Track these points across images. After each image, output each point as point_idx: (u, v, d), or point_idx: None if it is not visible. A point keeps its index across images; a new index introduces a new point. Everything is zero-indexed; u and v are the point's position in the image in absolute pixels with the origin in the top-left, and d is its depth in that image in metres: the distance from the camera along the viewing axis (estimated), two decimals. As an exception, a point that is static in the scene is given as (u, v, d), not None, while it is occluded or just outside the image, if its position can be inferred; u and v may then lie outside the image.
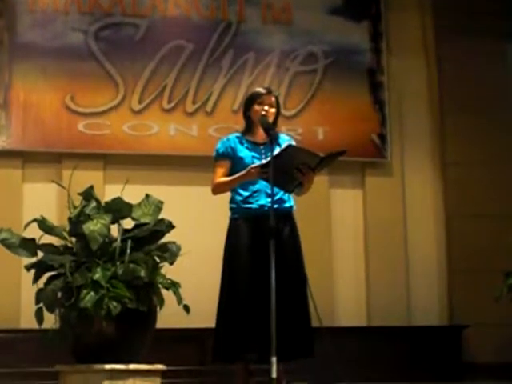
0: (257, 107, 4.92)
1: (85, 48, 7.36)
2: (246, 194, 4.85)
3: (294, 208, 4.94)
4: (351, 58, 7.77)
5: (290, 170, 4.65)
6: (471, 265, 7.59)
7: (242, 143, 4.95)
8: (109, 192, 6.89)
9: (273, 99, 4.96)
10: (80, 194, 4.50)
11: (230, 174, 4.85)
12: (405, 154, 7.86)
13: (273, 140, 4.65)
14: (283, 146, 4.60)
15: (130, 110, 7.37)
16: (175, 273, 4.56)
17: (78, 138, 7.25)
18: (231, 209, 4.93)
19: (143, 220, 4.39)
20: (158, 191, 6.97)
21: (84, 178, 6.77)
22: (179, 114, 7.44)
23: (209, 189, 4.98)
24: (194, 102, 7.48)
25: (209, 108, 7.50)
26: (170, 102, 7.44)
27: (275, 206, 4.61)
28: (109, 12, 7.48)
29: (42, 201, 6.97)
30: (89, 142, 7.27)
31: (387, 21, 7.92)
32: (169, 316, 4.59)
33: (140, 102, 7.40)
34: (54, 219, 5.77)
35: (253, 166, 4.73)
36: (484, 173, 7.75)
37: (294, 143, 4.99)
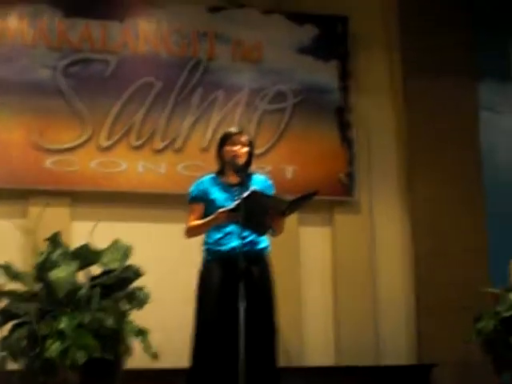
0: (227, 148, 4.94)
1: (53, 84, 7.29)
2: (218, 235, 4.85)
3: (269, 249, 4.93)
4: (320, 97, 7.79)
5: (259, 214, 4.66)
6: (439, 303, 7.59)
7: (215, 185, 4.96)
8: (76, 229, 6.87)
9: (244, 139, 4.97)
10: (47, 239, 4.45)
11: (204, 216, 4.85)
12: (373, 192, 7.88)
13: (243, 182, 4.66)
14: (247, 192, 4.59)
15: (98, 146, 7.31)
16: (145, 312, 4.52)
17: (45, 175, 7.16)
18: (204, 250, 4.93)
19: (112, 266, 4.36)
20: (126, 229, 7.05)
21: (51, 215, 6.79)
22: (148, 152, 7.39)
23: (178, 226, 4.98)
24: (162, 140, 7.44)
25: (177, 145, 7.46)
26: (138, 139, 7.39)
27: (247, 248, 4.64)
28: (78, 48, 7.42)
29: (7, 238, 6.88)
30: (56, 179, 7.18)
31: (356, 60, 7.94)
32: (139, 356, 4.54)
33: (108, 138, 7.34)
34: (19, 258, 5.72)
35: (221, 210, 4.73)
36: (452, 210, 7.79)
37: (270, 182, 5.02)
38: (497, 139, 8.17)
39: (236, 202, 4.61)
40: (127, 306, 4.17)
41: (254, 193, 4.60)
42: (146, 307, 4.56)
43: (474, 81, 8.10)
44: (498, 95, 8.23)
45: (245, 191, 4.57)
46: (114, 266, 4.27)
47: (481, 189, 7.90)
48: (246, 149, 4.95)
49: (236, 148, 4.92)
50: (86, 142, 7.29)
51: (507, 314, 4.45)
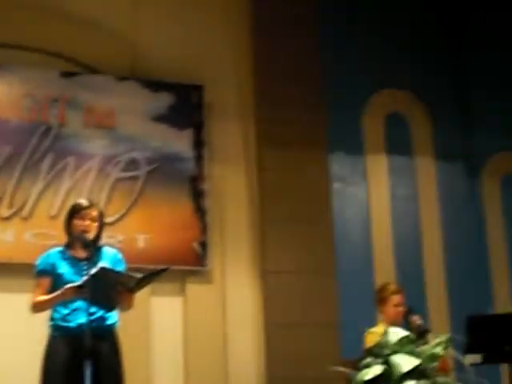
0: (76, 222, 4.86)
1: None
2: (65, 311, 4.77)
3: (117, 325, 4.85)
4: (174, 166, 7.71)
5: (107, 290, 4.60)
6: (290, 373, 7.55)
7: (63, 258, 4.87)
8: None
9: (95, 213, 4.89)
10: None
11: (52, 290, 4.72)
12: (225, 262, 7.83)
13: (92, 257, 4.59)
14: (95, 268, 4.53)
15: None
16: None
17: None
18: (50, 326, 4.79)
19: None
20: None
21: None
22: (-6, 219, 7.13)
23: (25, 297, 4.83)
24: (10, 206, 7.17)
25: (26, 213, 7.20)
26: (-17, 205, 7.12)
27: (94, 324, 4.55)
28: None
29: None
30: None
31: (210, 129, 7.93)
32: None
33: (-48, 205, 7.05)
34: None
35: (68, 286, 4.63)
36: (301, 282, 7.79)
37: (119, 257, 4.95)
38: (347, 209, 8.32)
39: (84, 279, 4.51)
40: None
41: (102, 269, 4.53)
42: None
43: (327, 154, 8.24)
44: (349, 167, 8.41)
45: (94, 266, 4.53)
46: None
47: (333, 261, 7.97)
48: (95, 224, 4.85)
49: (86, 223, 4.83)
50: None
51: (355, 395, 4.48)
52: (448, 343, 4.50)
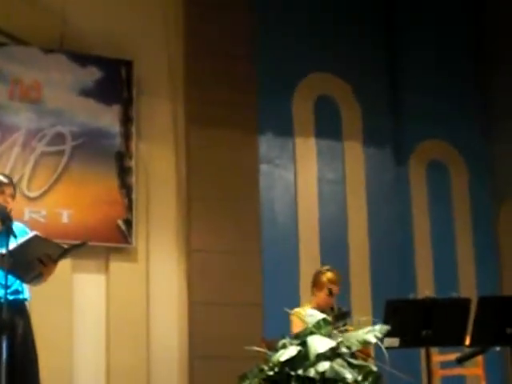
0: None
1: None
2: (-21, 284, 4.63)
3: (29, 299, 4.81)
4: (100, 141, 7.61)
5: (31, 260, 4.56)
6: (212, 352, 7.55)
7: (-25, 232, 4.73)
8: None
9: (13, 191, 4.83)
10: None
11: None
12: (150, 240, 7.77)
13: (11, 230, 4.50)
14: (29, 235, 4.52)
15: None
16: None
17: None
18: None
19: None
20: None
21: None
22: None
23: None
24: None
25: None
26: None
27: (11, 297, 4.51)
28: None
29: None
30: None
31: (138, 106, 7.85)
32: None
33: None
34: None
35: None
36: (226, 261, 7.82)
37: (28, 231, 4.88)
38: (274, 191, 8.33)
39: (14, 246, 4.44)
40: None
41: (36, 237, 4.52)
42: None
43: (256, 135, 8.24)
44: (277, 149, 8.41)
45: (9, 239, 4.41)
46: None
47: (258, 241, 8.00)
48: (12, 200, 4.80)
49: (7, 199, 4.76)
50: None
51: (270, 373, 4.49)
52: (381, 332, 4.51)
